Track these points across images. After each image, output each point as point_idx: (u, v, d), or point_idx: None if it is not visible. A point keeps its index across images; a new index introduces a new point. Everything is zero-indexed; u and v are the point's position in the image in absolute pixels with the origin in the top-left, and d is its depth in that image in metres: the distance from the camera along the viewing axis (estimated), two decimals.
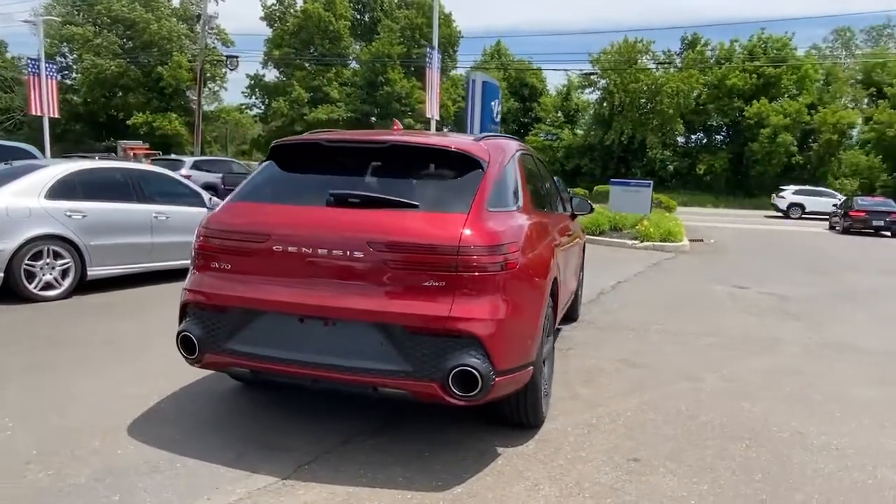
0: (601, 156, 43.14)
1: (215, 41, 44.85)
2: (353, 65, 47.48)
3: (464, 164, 3.32)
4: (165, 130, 43.12)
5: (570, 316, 6.31)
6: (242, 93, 51.41)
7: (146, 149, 30.10)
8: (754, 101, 39.92)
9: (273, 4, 46.92)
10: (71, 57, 46.22)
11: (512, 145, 4.04)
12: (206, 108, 40.82)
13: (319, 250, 3.03)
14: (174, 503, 2.76)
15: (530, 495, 2.94)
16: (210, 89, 47.07)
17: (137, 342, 5.21)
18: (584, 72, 43.81)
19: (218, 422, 3.64)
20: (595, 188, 29.85)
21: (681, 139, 44.91)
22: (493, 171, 3.39)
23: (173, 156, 24.11)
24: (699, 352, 5.64)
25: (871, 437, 3.80)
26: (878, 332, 6.72)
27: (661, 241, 14.38)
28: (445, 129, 36.98)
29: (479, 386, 2.88)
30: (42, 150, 16.72)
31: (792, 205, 30.50)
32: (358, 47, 47.74)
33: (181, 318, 3.36)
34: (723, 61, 42.77)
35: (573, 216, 5.82)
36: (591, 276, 7.58)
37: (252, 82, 47.65)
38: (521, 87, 47.87)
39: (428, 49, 20.45)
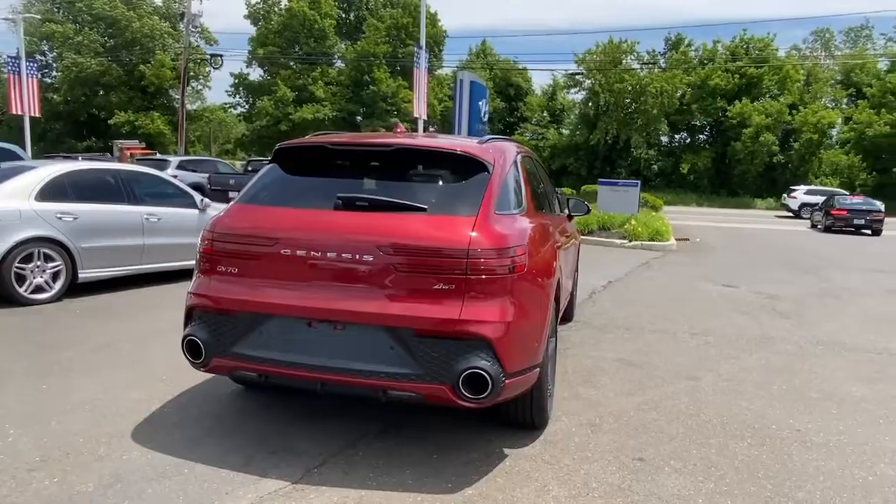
0: (587, 155, 43.41)
1: (199, 40, 44.40)
2: (339, 64, 47.27)
3: (470, 167, 3.33)
4: (148, 130, 42.66)
5: (566, 316, 6.34)
6: (226, 92, 51.17)
7: (143, 149, 29.77)
8: (737, 102, 40.43)
9: (257, 3, 46.60)
10: (51, 55, 45.54)
11: (512, 148, 4.05)
12: (189, 107, 40.38)
13: (328, 254, 3.02)
14: None
15: (540, 496, 2.96)
16: (193, 88, 46.62)
17: (133, 345, 5.16)
18: (570, 72, 44.08)
19: (222, 426, 3.62)
20: (582, 188, 30.01)
21: (665, 139, 45.40)
22: (499, 173, 3.40)
23: (158, 155, 23.84)
24: (695, 351, 5.71)
25: (869, 435, 3.87)
26: (867, 330, 6.83)
27: (649, 240, 14.52)
28: (431, 129, 36.93)
29: (490, 388, 2.89)
30: (23, 150, 16.44)
31: (803, 205, 30.35)
32: (343, 46, 47.54)
33: (186, 322, 3.33)
34: (706, 62, 43.24)
35: (569, 217, 5.86)
36: (582, 275, 7.62)
37: (236, 81, 47.29)
38: (507, 86, 48.02)
39: (415, 48, 20.43)
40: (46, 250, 6.44)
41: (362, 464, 3.20)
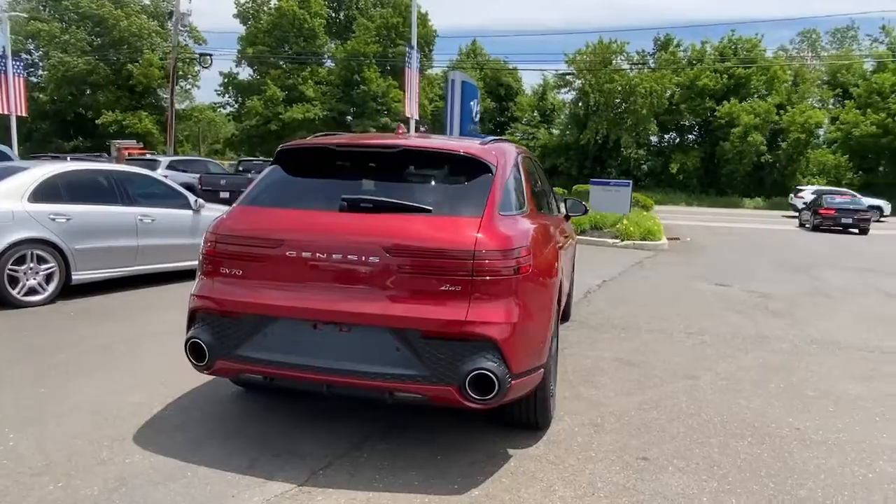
0: (577, 155, 43.55)
1: (187, 39, 44.06)
2: (329, 63, 47.12)
3: (473, 168, 3.34)
4: (135, 129, 42.30)
5: (564, 315, 6.33)
6: (215, 91, 50.85)
7: (140, 149, 29.57)
8: (725, 102, 40.71)
9: (246, 2, 46.33)
10: (37, 54, 45.08)
11: (513, 149, 4.06)
12: (177, 106, 40.02)
13: (334, 255, 3.02)
14: None
15: (546, 496, 2.97)
16: (182, 87, 46.26)
17: (129, 347, 5.12)
18: (560, 72, 44.22)
19: (225, 428, 3.60)
20: (574, 188, 30.12)
21: (654, 139, 45.62)
22: (501, 175, 3.41)
23: (148, 155, 23.65)
24: (691, 350, 5.75)
25: (866, 432, 3.92)
26: (859, 329, 6.91)
27: (641, 239, 14.59)
28: (422, 129, 36.90)
29: (496, 389, 2.90)
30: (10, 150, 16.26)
31: None
32: (333, 46, 47.38)
33: (189, 325, 3.31)
34: (694, 62, 43.51)
35: (567, 217, 5.88)
36: (577, 275, 7.63)
37: (225, 80, 46.99)
38: (497, 86, 48.07)
39: (407, 48, 20.41)
40: (39, 252, 6.38)
41: (367, 465, 3.20)
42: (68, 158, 16.33)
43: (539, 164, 5.31)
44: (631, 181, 17.45)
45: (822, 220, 22.77)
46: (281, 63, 45.17)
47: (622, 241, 14.48)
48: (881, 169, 39.76)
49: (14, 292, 6.21)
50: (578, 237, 14.51)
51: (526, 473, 3.18)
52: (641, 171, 43.71)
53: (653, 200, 25.55)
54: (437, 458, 3.31)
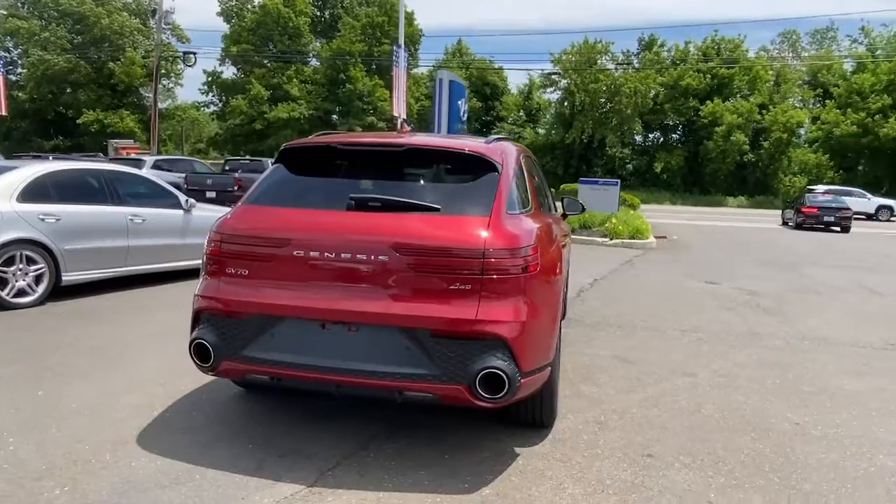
0: (563, 154, 43.78)
1: (170, 37, 43.63)
2: (314, 62, 46.87)
3: (480, 167, 3.34)
4: (117, 128, 41.77)
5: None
6: (199, 90, 50.30)
7: (137, 148, 29.32)
8: (708, 101, 41.16)
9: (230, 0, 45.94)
10: (16, 51, 44.32)
11: (514, 148, 4.07)
12: (160, 105, 39.59)
13: (342, 254, 3.00)
14: None
15: (556, 494, 2.98)
16: (165, 86, 45.78)
17: (124, 349, 5.06)
18: (546, 71, 44.41)
19: (230, 430, 3.57)
20: (561, 186, 30.24)
21: (639, 138, 46.05)
22: (507, 173, 3.41)
23: (133, 155, 23.35)
24: (687, 347, 5.80)
25: (864, 427, 3.98)
26: (848, 325, 7.02)
27: (629, 238, 14.70)
28: (408, 128, 36.79)
29: (507, 388, 2.90)
30: None
31: None
32: (318, 44, 47.13)
33: (194, 326, 3.27)
34: (678, 62, 43.92)
35: (563, 216, 5.91)
36: (570, 273, 7.69)
37: (209, 79, 46.57)
38: (483, 85, 48.15)
39: (394, 47, 20.36)
40: (29, 253, 6.27)
41: (375, 465, 3.18)
42: (50, 158, 16.08)
43: (537, 162, 5.33)
44: (619, 180, 17.53)
45: (805, 219, 23.10)
46: (265, 62, 44.86)
47: (611, 239, 14.57)
48: (861, 168, 40.48)
49: (3, 294, 6.10)
50: None
51: (535, 471, 3.19)
52: (626, 170, 44.05)
53: (639, 199, 25.76)
54: (444, 457, 3.30)
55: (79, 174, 7.20)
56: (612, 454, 3.43)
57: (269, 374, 3.12)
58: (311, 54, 46.86)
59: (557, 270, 3.64)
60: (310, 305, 3.04)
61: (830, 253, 15.12)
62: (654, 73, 42.44)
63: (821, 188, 32.13)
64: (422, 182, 3.41)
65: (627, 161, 44.88)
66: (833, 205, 23.59)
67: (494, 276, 2.95)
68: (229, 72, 46.99)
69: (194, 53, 33.17)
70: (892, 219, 31.03)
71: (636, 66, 43.84)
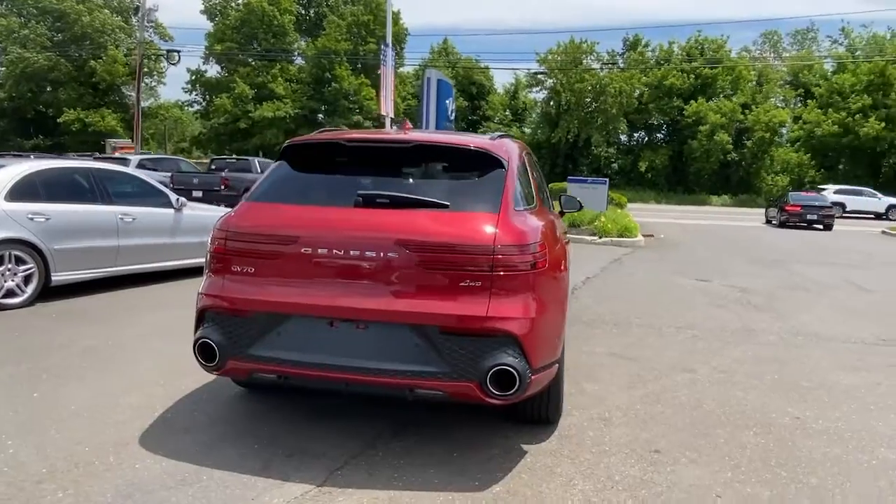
0: (549, 154, 43.93)
1: (153, 35, 43.11)
2: (299, 61, 46.56)
3: (487, 163, 3.33)
4: (99, 127, 41.21)
5: None
6: (182, 89, 49.77)
7: (133, 148, 29.08)
8: (692, 101, 41.52)
9: None
10: None
11: (515, 144, 4.06)
12: (143, 104, 39.07)
13: (351, 251, 2.97)
14: None
15: (567, 491, 2.97)
16: (147, 84, 45.19)
17: (119, 349, 4.98)
18: (533, 71, 44.55)
19: (233, 430, 3.52)
20: (549, 185, 30.40)
21: (624, 137, 46.35)
22: (513, 170, 3.40)
23: (117, 154, 23.03)
24: (683, 344, 5.83)
25: (863, 421, 4.02)
26: (839, 321, 7.11)
27: (618, 236, 14.79)
28: (394, 128, 36.75)
29: (517, 385, 2.89)
30: None
31: (833, 204, 30.13)
32: (304, 43, 46.83)
33: (198, 325, 3.22)
34: (662, 62, 44.26)
35: (561, 213, 5.91)
36: None
37: (193, 78, 46.04)
38: (469, 84, 48.18)
39: (382, 45, 20.27)
40: (18, 252, 6.15)
41: (384, 464, 3.16)
42: (31, 157, 15.81)
43: (536, 160, 5.32)
44: (607, 179, 17.63)
45: (789, 217, 23.39)
46: (250, 60, 44.46)
47: (600, 237, 14.64)
48: (841, 167, 41.05)
49: None
50: None
51: (544, 468, 3.19)
52: (612, 169, 44.32)
53: (625, 198, 25.91)
54: (453, 454, 3.29)
55: (68, 173, 7.10)
56: (619, 450, 3.43)
57: (276, 372, 3.09)
58: (296, 53, 46.56)
59: (564, 267, 3.65)
60: (318, 303, 3.00)
61: (815, 250, 15.32)
62: (638, 73, 42.76)
63: (831, 188, 32.30)
64: (429, 179, 3.39)
65: (613, 160, 45.16)
66: (816, 203, 23.93)
67: (505, 273, 2.94)
68: (213, 70, 46.57)
69: (178, 52, 32.82)
70: None
71: (621, 66, 44.13)
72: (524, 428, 3.62)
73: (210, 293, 3.20)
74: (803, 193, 26.27)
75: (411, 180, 3.36)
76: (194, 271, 8.02)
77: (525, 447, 3.42)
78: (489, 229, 2.97)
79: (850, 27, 46.45)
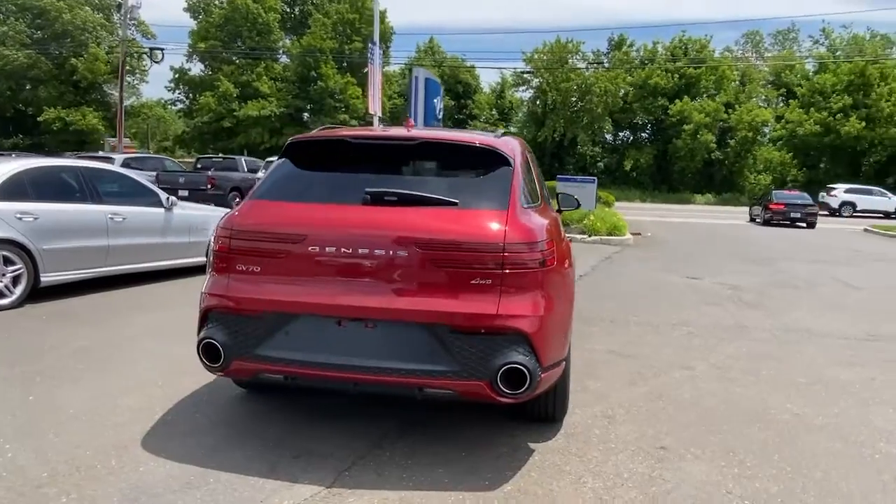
0: (535, 152, 43.03)
1: (135, 33, 42.58)
2: (284, 59, 46.23)
3: (493, 161, 3.31)
4: (80, 126, 40.65)
5: None
6: (165, 87, 49.25)
7: (133, 148, 28.77)
8: (677, 100, 41.84)
9: None
10: None
11: (517, 142, 4.05)
12: (125, 102, 38.55)
13: (360, 250, 2.94)
14: None
15: (577, 489, 2.97)
16: (129, 83, 44.63)
17: (113, 350, 4.90)
18: (519, 70, 44.63)
19: (236, 431, 3.47)
20: None
21: (609, 136, 46.58)
22: (518, 167, 3.39)
23: (101, 153, 22.69)
24: (680, 341, 5.87)
25: (861, 416, 4.06)
26: (829, 318, 7.19)
27: (607, 234, 14.86)
28: (381, 126, 36.62)
29: (528, 383, 2.88)
30: None
31: (844, 203, 30.82)
32: (288, 41, 46.51)
33: (202, 325, 3.17)
34: (646, 62, 44.56)
35: (558, 211, 5.91)
36: None
37: (176, 76, 45.54)
38: (456, 83, 48.13)
39: (369, 44, 20.13)
40: (6, 253, 6.03)
41: (392, 464, 3.13)
42: (13, 155, 15.55)
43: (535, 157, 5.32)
44: (595, 178, 17.71)
45: (773, 215, 23.67)
46: (234, 58, 44.08)
47: (589, 236, 14.71)
48: (822, 166, 41.60)
49: None
50: None
51: (553, 466, 3.18)
52: (597, 168, 44.54)
53: (613, 196, 26.03)
54: (461, 454, 3.27)
55: (57, 172, 6.97)
56: (626, 447, 3.44)
57: (283, 373, 3.05)
58: (281, 51, 46.23)
59: (570, 264, 3.64)
60: (326, 302, 2.97)
61: (801, 248, 15.50)
62: (623, 72, 43.00)
63: (841, 186, 32.37)
64: (435, 176, 3.37)
65: (598, 159, 45.41)
66: (799, 201, 24.22)
67: (514, 271, 2.92)
68: (197, 68, 46.12)
69: (162, 49, 32.49)
70: None
71: (606, 65, 44.36)
72: (530, 426, 3.62)
73: (214, 293, 3.14)
74: (787, 192, 26.57)
75: (418, 178, 3.34)
76: (185, 271, 7.94)
77: (532, 445, 3.41)
78: (499, 227, 2.95)
79: (831, 28, 47.17)
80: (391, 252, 2.93)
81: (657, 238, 16.54)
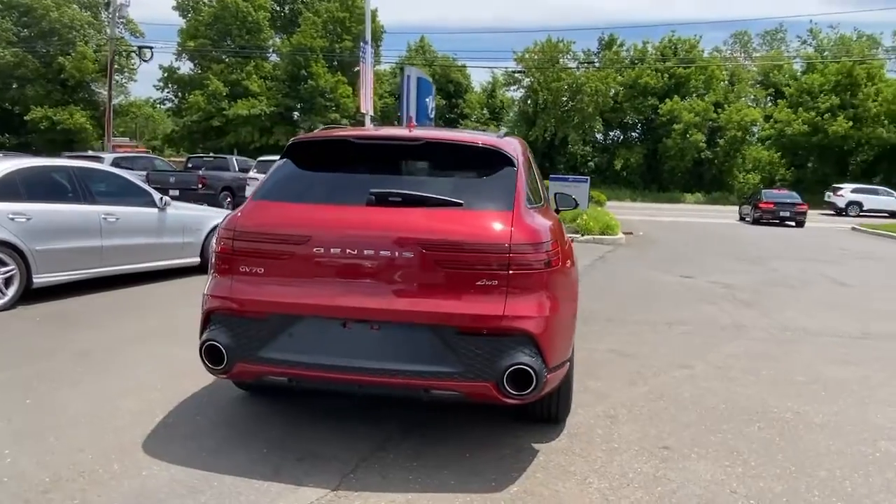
0: None
1: (123, 31, 42.19)
2: (274, 58, 45.97)
3: (497, 161, 3.30)
4: (67, 125, 40.20)
5: None
6: (154, 86, 48.84)
7: (133, 147, 28.48)
8: (667, 100, 42.02)
9: None
10: None
11: (518, 142, 4.05)
12: (113, 101, 38.18)
13: (365, 251, 2.92)
14: None
15: (583, 490, 2.97)
16: (118, 81, 44.21)
17: (110, 352, 4.85)
18: (510, 70, 44.68)
19: (238, 433, 3.44)
20: None
21: (599, 136, 46.69)
22: (522, 168, 3.39)
23: (90, 153, 22.47)
24: (678, 340, 5.89)
25: (861, 414, 4.10)
26: (823, 316, 7.24)
27: (600, 234, 14.90)
28: (372, 125, 36.50)
29: (534, 384, 2.87)
30: None
31: (850, 203, 30.78)
32: (278, 40, 46.26)
33: (204, 327, 3.14)
34: (637, 61, 44.73)
35: (557, 211, 5.91)
36: None
37: (165, 75, 45.13)
38: (447, 83, 48.08)
39: (361, 43, 20.08)
40: None
41: (397, 466, 3.12)
42: (2, 155, 15.32)
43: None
44: (588, 177, 17.75)
45: (762, 214, 23.82)
46: (224, 57, 43.77)
47: (582, 235, 14.72)
48: (810, 165, 41.95)
49: None
50: None
51: (557, 467, 3.18)
52: (588, 167, 44.65)
53: (604, 196, 26.12)
54: (465, 455, 3.26)
55: (49, 171, 6.89)
56: (629, 447, 3.44)
57: (287, 375, 3.02)
58: (270, 50, 45.96)
59: (573, 264, 3.64)
60: (330, 304, 2.95)
61: (791, 247, 15.61)
62: (613, 72, 43.15)
63: (847, 186, 32.35)
64: (439, 177, 3.35)
65: (589, 159, 45.51)
66: (788, 201, 24.39)
67: (520, 272, 2.92)
68: (186, 67, 45.73)
69: (151, 48, 32.23)
70: None
71: (597, 65, 44.49)
72: (532, 426, 3.61)
73: (217, 294, 3.12)
74: (776, 191, 26.77)
75: (422, 178, 3.32)
76: (182, 271, 7.89)
77: (536, 446, 3.41)
78: (504, 228, 2.94)
79: (818, 28, 47.53)
80: (396, 253, 2.91)
81: (649, 237, 16.61)
